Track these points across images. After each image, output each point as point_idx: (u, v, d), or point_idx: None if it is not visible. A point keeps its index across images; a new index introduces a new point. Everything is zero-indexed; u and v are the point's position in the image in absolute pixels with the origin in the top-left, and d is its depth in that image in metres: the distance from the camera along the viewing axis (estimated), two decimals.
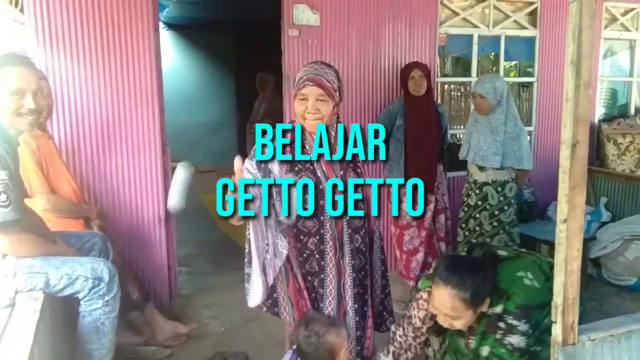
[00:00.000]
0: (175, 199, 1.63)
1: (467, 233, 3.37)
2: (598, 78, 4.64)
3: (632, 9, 4.66)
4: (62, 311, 2.14)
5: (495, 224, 3.25)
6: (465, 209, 3.38)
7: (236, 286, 3.67)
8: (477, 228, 3.29)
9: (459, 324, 1.77)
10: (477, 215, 3.28)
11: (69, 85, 3.01)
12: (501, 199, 3.23)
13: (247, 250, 1.83)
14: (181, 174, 1.64)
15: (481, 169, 3.25)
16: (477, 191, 3.28)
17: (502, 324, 1.75)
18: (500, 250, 1.99)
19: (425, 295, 1.89)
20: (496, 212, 3.23)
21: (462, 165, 4.15)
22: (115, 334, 2.16)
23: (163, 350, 2.78)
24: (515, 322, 1.74)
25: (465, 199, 3.39)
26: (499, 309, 1.76)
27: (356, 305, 1.92)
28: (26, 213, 2.06)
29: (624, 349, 1.59)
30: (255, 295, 1.83)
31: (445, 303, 1.73)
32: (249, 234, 1.78)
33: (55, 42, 2.95)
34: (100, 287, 2.04)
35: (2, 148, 1.88)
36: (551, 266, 1.81)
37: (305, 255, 1.89)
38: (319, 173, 1.83)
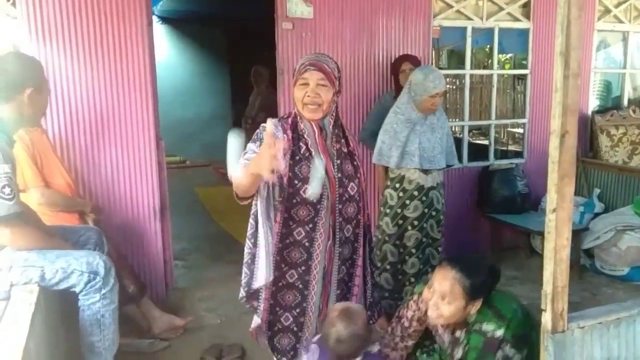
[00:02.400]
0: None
1: (413, 250, 2.92)
2: (591, 70, 4.64)
3: (626, 0, 4.67)
4: (58, 303, 2.15)
5: (442, 230, 2.98)
6: (401, 222, 2.90)
7: (232, 279, 3.69)
8: (425, 240, 2.92)
9: (446, 311, 1.78)
10: (425, 225, 2.91)
11: (63, 79, 3.00)
12: (443, 201, 2.98)
13: (252, 231, 1.84)
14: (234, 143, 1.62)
15: (426, 172, 2.88)
16: (424, 198, 2.89)
17: (499, 353, 1.75)
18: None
19: (415, 297, 1.95)
20: (441, 217, 2.96)
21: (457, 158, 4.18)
22: (117, 326, 2.17)
23: (159, 342, 2.80)
24: (511, 352, 1.74)
25: (400, 210, 2.89)
26: (499, 333, 1.76)
27: (338, 291, 1.95)
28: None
29: (613, 337, 1.62)
30: (260, 275, 1.82)
31: (445, 284, 1.77)
32: (255, 205, 1.79)
33: (49, 36, 2.94)
34: (96, 280, 2.05)
35: (3, 141, 1.89)
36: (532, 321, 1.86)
37: (287, 242, 1.88)
38: (317, 161, 1.85)
